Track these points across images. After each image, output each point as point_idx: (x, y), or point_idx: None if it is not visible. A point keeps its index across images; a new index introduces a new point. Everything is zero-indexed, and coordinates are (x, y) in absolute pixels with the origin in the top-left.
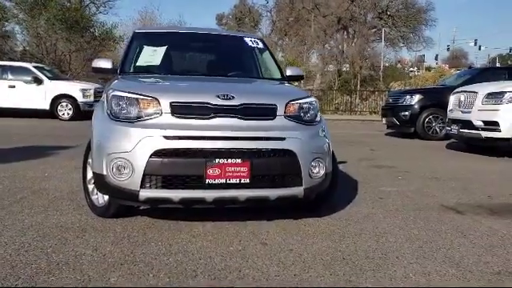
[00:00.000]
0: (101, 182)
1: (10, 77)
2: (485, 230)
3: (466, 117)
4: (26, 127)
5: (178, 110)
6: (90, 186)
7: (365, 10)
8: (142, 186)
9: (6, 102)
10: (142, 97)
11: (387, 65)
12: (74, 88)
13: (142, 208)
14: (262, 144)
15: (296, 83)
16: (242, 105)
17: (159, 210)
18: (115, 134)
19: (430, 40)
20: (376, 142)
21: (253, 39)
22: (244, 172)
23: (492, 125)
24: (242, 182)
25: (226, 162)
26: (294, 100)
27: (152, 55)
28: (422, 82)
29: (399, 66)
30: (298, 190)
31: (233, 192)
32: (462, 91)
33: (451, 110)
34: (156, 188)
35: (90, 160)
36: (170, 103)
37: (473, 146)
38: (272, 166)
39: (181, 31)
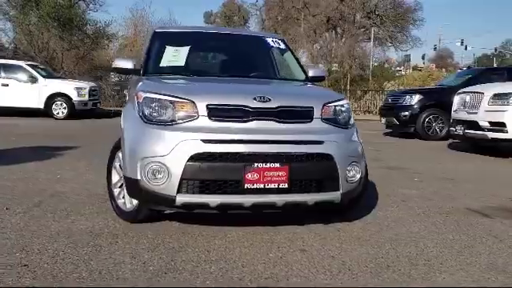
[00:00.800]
0: (134, 187)
1: (3, 75)
2: None
3: (471, 117)
4: (24, 127)
5: (215, 112)
6: (116, 190)
7: (354, 9)
8: (179, 190)
9: None
10: (177, 99)
11: (376, 64)
12: (68, 87)
13: (167, 212)
14: (300, 148)
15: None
16: (278, 107)
17: (187, 214)
18: (150, 137)
19: (417, 39)
20: (377, 141)
21: (274, 39)
22: (283, 177)
23: (499, 126)
24: (281, 186)
25: (264, 166)
26: (330, 102)
27: (175, 55)
28: (411, 81)
29: (387, 65)
30: (335, 195)
31: (271, 197)
32: (467, 92)
33: (456, 111)
34: (193, 193)
35: (115, 164)
36: (207, 106)
37: (475, 147)
38: (310, 170)
39: (202, 31)
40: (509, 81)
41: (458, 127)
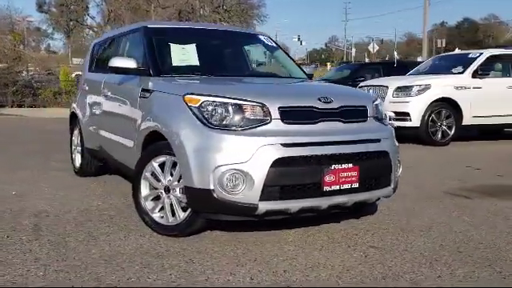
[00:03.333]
0: (204, 198)
1: None
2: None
3: None
4: None
5: (287, 115)
6: (149, 204)
7: (203, 3)
8: (262, 198)
9: None
10: (246, 102)
11: None
12: None
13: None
14: (366, 147)
15: None
16: (340, 107)
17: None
18: (223, 144)
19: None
20: None
21: (265, 37)
22: (354, 176)
23: (403, 115)
24: (352, 186)
25: (339, 167)
26: (375, 101)
27: (184, 54)
28: None
29: None
30: (388, 190)
31: (343, 197)
32: (370, 85)
33: None
34: (274, 199)
35: (146, 174)
36: (279, 108)
37: None
38: (374, 168)
39: (202, 28)
40: (384, 73)
41: None
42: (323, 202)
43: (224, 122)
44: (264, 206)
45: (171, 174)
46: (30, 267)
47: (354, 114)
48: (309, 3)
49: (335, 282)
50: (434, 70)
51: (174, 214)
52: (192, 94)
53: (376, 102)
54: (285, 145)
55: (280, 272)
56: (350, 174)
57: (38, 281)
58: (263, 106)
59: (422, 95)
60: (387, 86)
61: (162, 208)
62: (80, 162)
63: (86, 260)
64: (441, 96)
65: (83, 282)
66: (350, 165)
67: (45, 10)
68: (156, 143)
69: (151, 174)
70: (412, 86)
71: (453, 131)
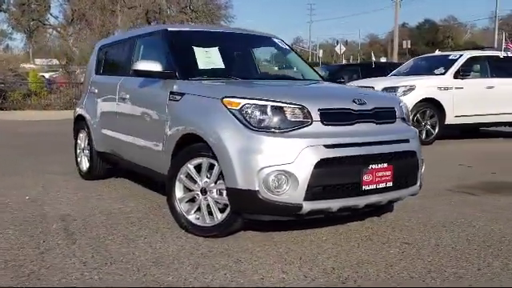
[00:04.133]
0: (249, 199)
1: None
2: None
3: None
4: None
5: (326, 117)
6: (184, 206)
7: (170, 3)
8: (305, 198)
9: None
10: (287, 105)
11: None
12: None
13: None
14: (398, 147)
15: None
16: (374, 109)
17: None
18: (268, 145)
19: None
20: None
21: (279, 40)
22: (389, 176)
23: None
24: (387, 185)
25: (376, 167)
26: (400, 102)
27: (208, 57)
28: None
29: None
30: (415, 188)
31: (379, 196)
32: (356, 86)
33: None
34: (317, 199)
35: (181, 176)
36: (319, 110)
37: None
38: (405, 167)
39: (221, 31)
40: (363, 75)
41: None
42: (361, 201)
43: (266, 125)
44: (308, 206)
45: (207, 176)
46: (82, 271)
47: (385, 115)
48: (274, 4)
49: (385, 277)
50: (416, 71)
51: (210, 215)
52: (232, 97)
53: (401, 104)
54: (327, 146)
55: (329, 269)
56: (385, 173)
57: (96, 284)
58: (303, 108)
59: (407, 96)
60: (373, 87)
61: (198, 209)
62: (88, 165)
63: (134, 262)
64: (425, 96)
65: (143, 283)
66: (385, 164)
67: (3, 9)
68: (191, 145)
69: (186, 176)
70: (398, 87)
71: (436, 130)
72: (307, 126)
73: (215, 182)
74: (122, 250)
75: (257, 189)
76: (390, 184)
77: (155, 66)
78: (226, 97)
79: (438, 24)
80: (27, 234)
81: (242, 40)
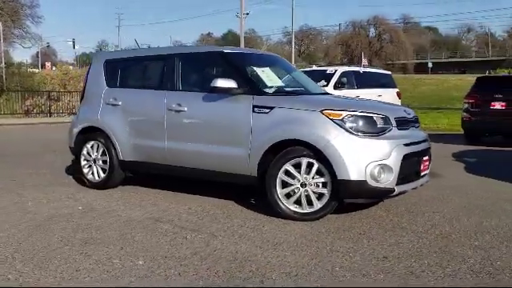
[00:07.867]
0: (360, 187)
1: None
2: None
3: None
4: None
5: (399, 123)
6: (283, 199)
7: None
8: (397, 183)
9: None
10: (376, 115)
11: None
12: None
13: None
14: (426, 144)
15: None
16: (414, 117)
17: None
18: (370, 146)
19: (39, 37)
20: None
21: (283, 60)
22: (427, 165)
23: None
24: (426, 172)
25: (424, 158)
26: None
27: (268, 75)
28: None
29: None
30: (428, 177)
31: (424, 179)
32: None
33: None
34: (401, 184)
35: (281, 174)
36: (395, 119)
37: None
38: (430, 158)
39: (260, 53)
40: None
41: None
42: (419, 183)
43: (364, 130)
44: (397, 189)
45: (306, 173)
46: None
47: (417, 121)
48: (83, 5)
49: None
50: None
51: (309, 204)
52: (331, 109)
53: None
54: (406, 144)
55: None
56: (427, 163)
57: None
58: (386, 117)
59: None
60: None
61: (296, 201)
62: (105, 174)
63: (267, 246)
64: None
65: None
66: (427, 157)
67: None
68: (289, 149)
69: (285, 174)
70: None
71: None
72: (390, 130)
73: (313, 177)
74: (247, 238)
75: (365, 179)
76: (427, 171)
77: (231, 84)
78: (326, 109)
79: (239, 35)
80: None
81: (272, 60)
